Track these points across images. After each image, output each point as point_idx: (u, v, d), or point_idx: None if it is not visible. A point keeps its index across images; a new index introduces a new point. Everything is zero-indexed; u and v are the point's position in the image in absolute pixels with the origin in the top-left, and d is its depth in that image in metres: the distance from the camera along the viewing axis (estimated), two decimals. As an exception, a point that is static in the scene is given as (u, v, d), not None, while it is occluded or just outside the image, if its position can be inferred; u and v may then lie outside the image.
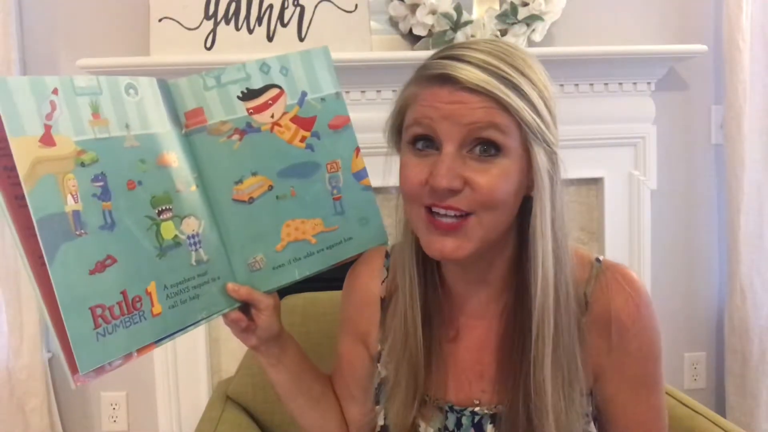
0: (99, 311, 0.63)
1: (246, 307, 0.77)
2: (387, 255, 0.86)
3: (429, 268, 0.78)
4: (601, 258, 0.77)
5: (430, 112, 0.66)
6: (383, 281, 0.84)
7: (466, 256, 0.68)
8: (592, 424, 0.76)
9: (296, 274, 0.78)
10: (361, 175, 0.81)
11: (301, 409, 0.88)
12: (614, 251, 1.75)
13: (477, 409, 0.77)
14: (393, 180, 0.74)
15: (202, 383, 1.66)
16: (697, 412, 1.09)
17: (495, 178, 0.66)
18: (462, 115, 0.65)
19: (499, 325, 0.77)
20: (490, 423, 0.76)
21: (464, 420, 0.77)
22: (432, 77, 0.67)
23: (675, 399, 1.15)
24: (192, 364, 1.65)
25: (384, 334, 0.83)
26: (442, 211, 0.67)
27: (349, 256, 0.81)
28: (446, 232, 0.67)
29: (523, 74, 0.67)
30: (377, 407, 0.83)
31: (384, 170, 0.78)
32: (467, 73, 0.64)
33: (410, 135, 0.69)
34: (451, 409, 0.78)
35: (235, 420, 1.22)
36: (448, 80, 0.65)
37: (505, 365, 0.75)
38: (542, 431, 0.70)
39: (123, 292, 0.65)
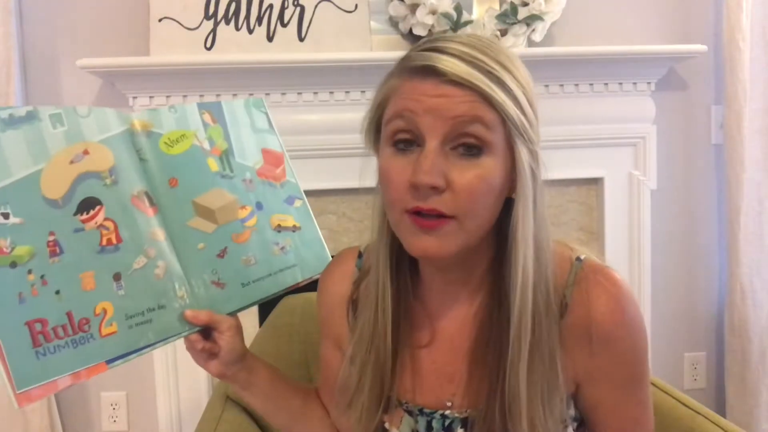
0: (38, 327, 0.63)
1: (207, 331, 0.76)
2: (360, 254, 0.84)
3: (402, 270, 0.76)
4: (582, 257, 0.74)
5: (412, 105, 0.63)
6: (355, 281, 0.82)
7: (449, 255, 0.66)
8: (569, 429, 0.74)
9: (256, 297, 0.82)
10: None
11: (287, 425, 0.87)
12: (614, 251, 1.75)
13: (448, 412, 0.74)
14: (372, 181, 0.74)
15: (202, 383, 1.66)
16: (697, 412, 1.09)
17: (476, 179, 0.63)
18: (446, 109, 0.62)
19: (472, 328, 0.74)
20: (461, 427, 0.73)
21: (435, 423, 0.75)
22: (414, 69, 0.64)
23: (675, 399, 1.15)
24: (192, 364, 1.62)
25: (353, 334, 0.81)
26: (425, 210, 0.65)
27: (296, 281, 0.86)
28: (429, 231, 0.64)
29: (506, 68, 0.64)
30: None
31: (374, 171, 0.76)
32: (451, 65, 0.62)
33: (391, 130, 0.66)
34: (421, 412, 0.75)
35: (235, 420, 1.22)
36: (432, 72, 0.63)
37: (478, 369, 0.72)
38: (518, 418, 0.67)
39: (68, 314, 0.65)
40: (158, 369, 1.65)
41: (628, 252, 1.76)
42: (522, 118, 0.64)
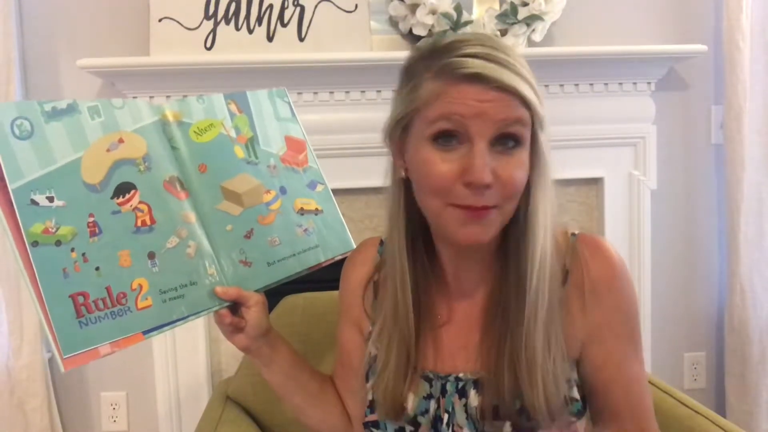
0: (81, 299, 0.68)
1: (235, 307, 0.81)
2: (381, 242, 0.90)
3: (420, 254, 0.82)
4: (576, 232, 0.82)
5: (462, 109, 0.69)
6: (376, 265, 0.89)
7: (490, 239, 0.74)
8: (575, 389, 0.78)
9: (282, 274, 0.85)
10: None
11: (301, 406, 0.91)
12: (614, 251, 1.75)
13: (461, 374, 0.79)
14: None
15: (202, 383, 1.66)
16: (697, 412, 1.09)
17: (516, 170, 0.71)
18: (494, 113, 0.69)
19: (483, 298, 0.81)
20: (473, 388, 0.78)
21: (449, 386, 0.79)
22: (460, 76, 0.69)
23: (675, 399, 1.15)
24: (192, 364, 1.65)
25: (375, 315, 0.86)
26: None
27: (319, 261, 0.89)
28: (477, 220, 0.72)
29: (524, 67, 0.71)
30: (367, 384, 0.85)
31: (384, 170, 0.80)
32: (495, 72, 0.68)
33: (435, 129, 0.71)
34: (436, 376, 0.80)
35: (235, 420, 1.22)
36: (478, 79, 0.68)
37: (488, 335, 0.78)
38: (530, 393, 0.73)
39: (107, 288, 0.70)
40: (158, 369, 1.64)
41: (628, 252, 1.76)
42: (542, 110, 0.72)
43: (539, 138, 0.73)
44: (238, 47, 1.56)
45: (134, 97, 1.58)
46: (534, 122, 0.72)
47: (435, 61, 0.72)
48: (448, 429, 0.78)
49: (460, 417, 0.77)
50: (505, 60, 0.69)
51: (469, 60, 0.69)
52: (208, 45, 1.57)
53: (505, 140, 0.71)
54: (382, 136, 0.79)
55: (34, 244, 0.66)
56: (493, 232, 0.74)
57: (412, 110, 0.74)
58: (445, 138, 0.71)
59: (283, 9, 1.58)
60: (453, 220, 0.73)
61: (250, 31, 1.58)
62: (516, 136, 0.71)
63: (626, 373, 0.79)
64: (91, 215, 0.71)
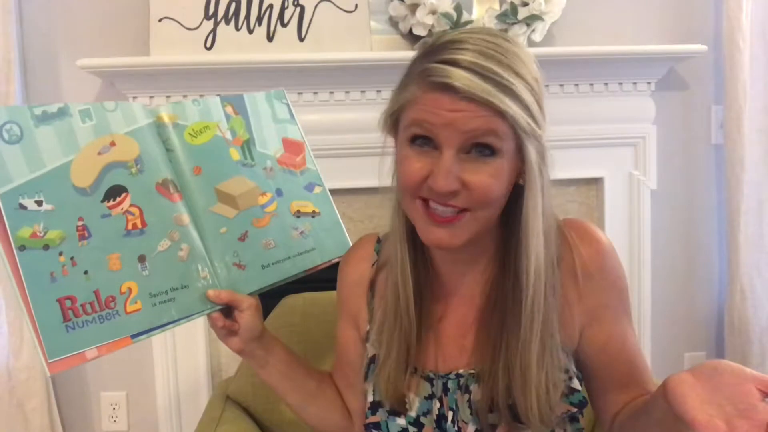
0: (68, 303, 0.68)
1: (228, 310, 0.81)
2: (378, 240, 0.90)
3: (420, 250, 0.82)
4: (561, 218, 0.82)
5: (431, 117, 0.68)
6: (373, 264, 0.88)
7: (460, 245, 0.73)
8: (575, 380, 0.78)
9: (276, 277, 0.85)
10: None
11: (299, 404, 0.92)
12: (614, 251, 1.75)
13: (462, 370, 0.80)
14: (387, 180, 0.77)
15: (202, 383, 1.66)
16: (697, 412, 1.09)
17: (489, 178, 0.70)
18: (462, 123, 0.67)
19: (481, 299, 0.81)
20: (475, 383, 0.78)
21: (450, 384, 0.79)
22: (432, 83, 0.68)
23: (675, 399, 1.15)
24: (192, 364, 1.65)
25: (372, 314, 0.86)
26: (440, 207, 0.71)
27: (315, 264, 0.89)
28: (442, 224, 0.71)
29: (518, 74, 0.68)
30: (366, 384, 0.85)
31: (380, 170, 0.81)
32: (468, 82, 0.66)
33: (409, 134, 0.71)
34: (437, 376, 0.81)
35: (235, 420, 1.22)
36: (449, 88, 0.67)
37: (484, 337, 0.79)
38: (523, 401, 0.73)
39: (96, 292, 0.70)
40: (158, 369, 1.64)
41: (628, 252, 1.76)
42: (531, 123, 0.69)
43: (526, 147, 0.70)
44: (238, 47, 1.57)
45: (134, 98, 1.58)
46: (517, 132, 0.69)
47: (422, 63, 0.71)
48: (454, 426, 0.78)
49: (464, 413, 0.78)
50: (488, 69, 0.66)
51: (447, 68, 0.67)
52: (208, 45, 1.57)
53: (481, 148, 0.69)
54: (379, 126, 0.80)
55: (22, 248, 0.66)
56: (466, 237, 0.72)
57: (397, 108, 0.74)
58: (421, 140, 0.71)
59: (283, 9, 1.58)
60: (419, 217, 0.73)
61: (250, 31, 1.58)
62: (490, 146, 0.69)
63: (629, 348, 0.81)
64: (80, 219, 0.70)
